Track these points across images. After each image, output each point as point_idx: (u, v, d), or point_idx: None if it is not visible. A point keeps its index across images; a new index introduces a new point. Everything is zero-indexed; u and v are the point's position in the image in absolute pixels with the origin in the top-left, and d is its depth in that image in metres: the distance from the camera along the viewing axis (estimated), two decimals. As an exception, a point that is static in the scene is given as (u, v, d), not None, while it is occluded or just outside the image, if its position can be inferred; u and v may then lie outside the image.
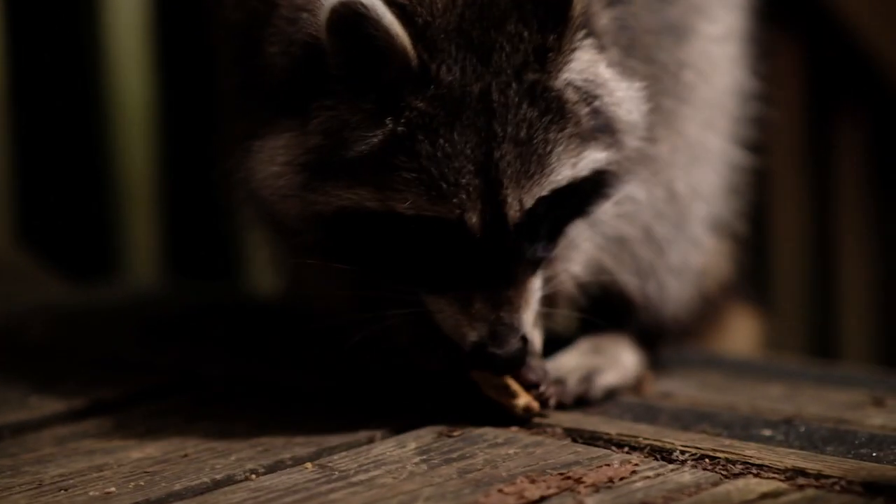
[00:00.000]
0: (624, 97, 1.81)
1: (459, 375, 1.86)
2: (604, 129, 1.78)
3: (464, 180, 1.68)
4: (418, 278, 1.76)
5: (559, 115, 1.73)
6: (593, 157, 1.77)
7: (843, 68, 3.96)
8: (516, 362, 1.76)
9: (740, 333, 2.68)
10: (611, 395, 2.03)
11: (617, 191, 1.84)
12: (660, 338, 2.19)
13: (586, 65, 1.77)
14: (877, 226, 4.20)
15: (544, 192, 1.73)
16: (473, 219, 1.70)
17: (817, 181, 4.03)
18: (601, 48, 1.80)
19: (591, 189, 1.80)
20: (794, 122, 3.83)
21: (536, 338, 1.93)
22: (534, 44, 1.71)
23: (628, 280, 2.05)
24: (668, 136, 2.01)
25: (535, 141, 1.71)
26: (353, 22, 1.66)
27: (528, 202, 1.72)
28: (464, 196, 1.69)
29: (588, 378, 2.01)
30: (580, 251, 1.95)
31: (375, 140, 1.69)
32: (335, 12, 1.66)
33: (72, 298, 3.02)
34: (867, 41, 3.91)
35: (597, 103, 1.77)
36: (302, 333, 2.37)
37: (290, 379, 2.14)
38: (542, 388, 1.86)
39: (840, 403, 2.02)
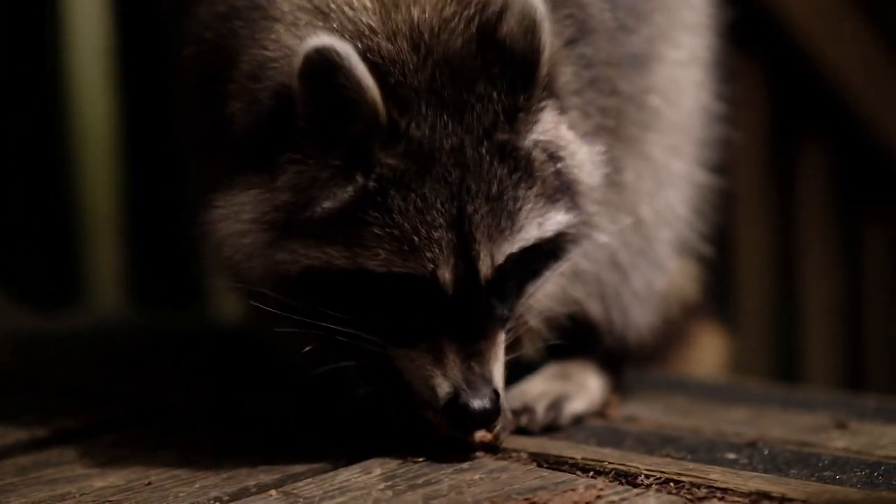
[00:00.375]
0: (585, 160, 1.82)
1: (415, 419, 1.85)
2: (566, 190, 1.79)
3: (436, 234, 1.68)
4: (386, 332, 1.75)
5: (528, 174, 1.74)
6: (557, 219, 1.78)
7: (805, 91, 3.99)
8: (490, 415, 1.74)
9: (706, 353, 2.69)
10: (578, 421, 2.03)
11: (573, 253, 1.85)
12: (625, 362, 2.19)
13: (550, 126, 1.78)
14: (840, 247, 4.23)
15: (514, 249, 1.73)
16: (446, 275, 1.70)
17: (780, 202, 4.06)
18: (562, 109, 1.81)
19: (551, 250, 1.81)
20: (758, 144, 3.86)
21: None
22: (503, 104, 1.72)
23: (593, 307, 2.06)
24: (633, 163, 2.02)
25: (506, 198, 1.72)
26: (325, 70, 1.65)
27: (499, 258, 1.72)
28: (437, 250, 1.68)
29: (556, 405, 2.01)
30: (547, 285, 1.95)
31: (345, 196, 1.68)
32: (309, 59, 1.65)
33: (35, 326, 3.01)
34: (828, 65, 3.95)
35: (560, 165, 1.78)
36: (266, 361, 2.37)
37: (255, 406, 2.14)
38: (497, 429, 1.84)
39: (803, 426, 2.03)
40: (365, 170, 1.68)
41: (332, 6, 1.74)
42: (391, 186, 1.68)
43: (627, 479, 1.73)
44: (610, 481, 1.73)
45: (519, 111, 1.74)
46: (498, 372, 1.76)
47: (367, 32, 1.71)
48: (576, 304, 2.02)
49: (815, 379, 4.07)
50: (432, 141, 1.69)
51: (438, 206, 1.68)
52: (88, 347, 2.72)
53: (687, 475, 1.72)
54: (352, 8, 1.73)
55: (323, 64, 1.65)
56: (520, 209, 1.73)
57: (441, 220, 1.68)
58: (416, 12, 1.73)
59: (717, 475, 1.71)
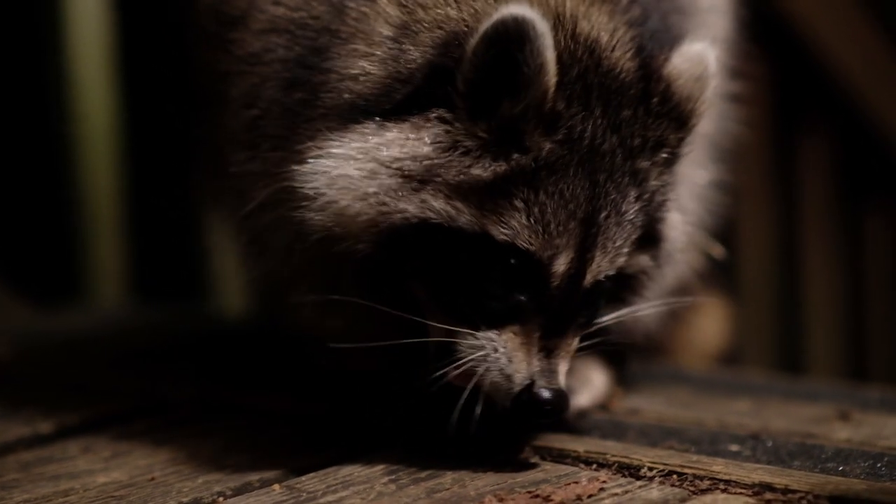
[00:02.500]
0: (677, 225, 1.88)
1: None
2: (655, 243, 1.84)
3: (571, 225, 1.70)
4: (472, 309, 1.73)
5: (644, 208, 1.77)
6: (640, 262, 1.82)
7: (808, 83, 3.99)
8: (560, 407, 1.74)
9: (711, 327, 2.70)
10: (582, 415, 2.03)
11: (631, 303, 1.88)
12: (631, 356, 2.19)
13: (673, 179, 1.84)
14: (842, 238, 4.23)
15: (614, 269, 1.77)
16: (561, 266, 1.71)
17: (783, 194, 4.06)
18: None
19: (620, 289, 1.84)
20: (760, 136, 3.85)
21: None
22: (654, 134, 1.76)
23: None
24: None
25: (628, 218, 1.75)
26: (516, 39, 1.64)
27: (602, 271, 1.76)
28: (565, 240, 1.70)
29: None
30: None
31: (499, 169, 1.69)
32: (503, 24, 1.64)
33: (37, 323, 3.01)
34: (831, 57, 3.94)
35: (662, 218, 1.83)
36: (269, 355, 2.37)
37: (257, 401, 2.13)
38: None
39: (806, 418, 2.03)
40: (520, 149, 1.68)
41: None
42: (545, 168, 1.69)
43: (630, 471, 1.73)
44: (613, 474, 1.73)
45: (664, 147, 1.78)
46: (563, 373, 1.76)
47: (560, 21, 1.72)
48: None
49: (818, 369, 4.07)
50: (590, 139, 1.71)
51: (581, 199, 1.70)
52: (90, 343, 2.72)
53: (690, 467, 1.72)
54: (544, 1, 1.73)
55: (516, 33, 1.64)
56: (630, 235, 1.77)
57: (579, 212, 1.70)
58: (588, 26, 1.74)
59: (719, 467, 1.71)
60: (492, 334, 1.73)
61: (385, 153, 1.71)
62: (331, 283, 1.81)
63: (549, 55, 1.64)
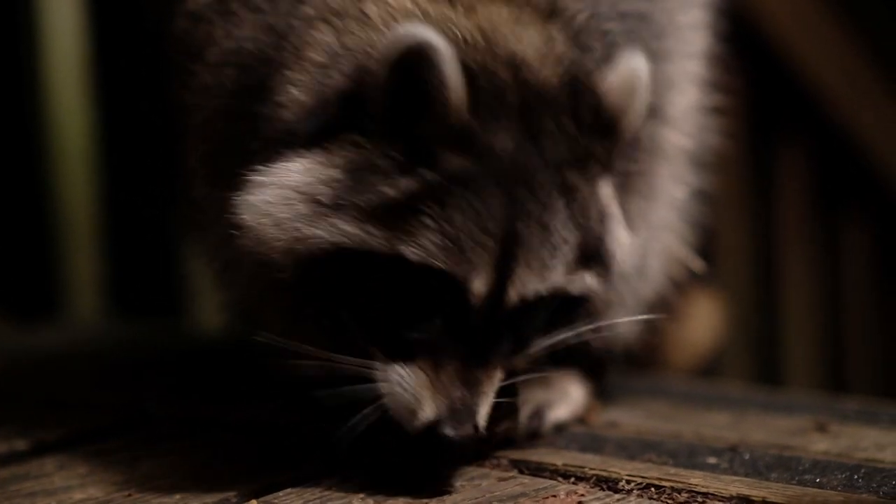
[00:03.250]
0: (625, 244, 1.83)
1: None
2: (601, 260, 1.78)
3: (485, 241, 1.65)
4: (387, 340, 1.72)
5: (578, 221, 1.73)
6: (586, 282, 1.76)
7: (783, 92, 4.01)
8: (465, 448, 1.70)
9: (706, 316, 2.70)
10: (560, 429, 2.03)
11: (581, 325, 1.81)
12: (609, 370, 2.20)
13: (609, 193, 1.80)
14: (819, 247, 4.25)
15: (543, 289, 1.71)
16: (480, 285, 1.67)
17: (759, 204, 4.08)
18: (617, 188, 1.83)
19: (566, 311, 1.78)
20: (737, 146, 3.87)
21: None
22: (581, 146, 1.73)
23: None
24: (642, 195, 2.04)
25: (555, 233, 1.70)
26: (418, 61, 1.63)
27: (530, 290, 1.70)
28: (480, 257, 1.66)
29: (538, 413, 2.01)
30: None
31: (407, 187, 1.66)
32: (405, 46, 1.64)
33: (14, 339, 3.00)
34: (805, 67, 3.97)
35: (605, 233, 1.78)
36: (248, 371, 2.36)
37: (236, 416, 2.13)
38: None
39: (784, 430, 2.04)
40: (430, 165, 1.66)
41: (432, 13, 1.73)
42: (455, 184, 1.65)
43: (608, 484, 1.73)
44: (591, 487, 1.73)
45: (593, 159, 1.74)
46: (484, 408, 1.71)
47: (466, 41, 1.70)
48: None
49: (796, 381, 4.09)
50: (504, 153, 1.67)
51: (495, 216, 1.66)
52: (68, 359, 2.71)
53: (668, 480, 1.72)
54: (454, 23, 1.72)
55: (418, 55, 1.63)
56: (561, 251, 1.71)
57: (494, 229, 1.66)
58: (513, 43, 1.73)
59: (697, 480, 1.72)
60: (398, 367, 1.70)
61: (298, 180, 1.70)
62: (286, 308, 1.82)
63: (452, 73, 1.64)
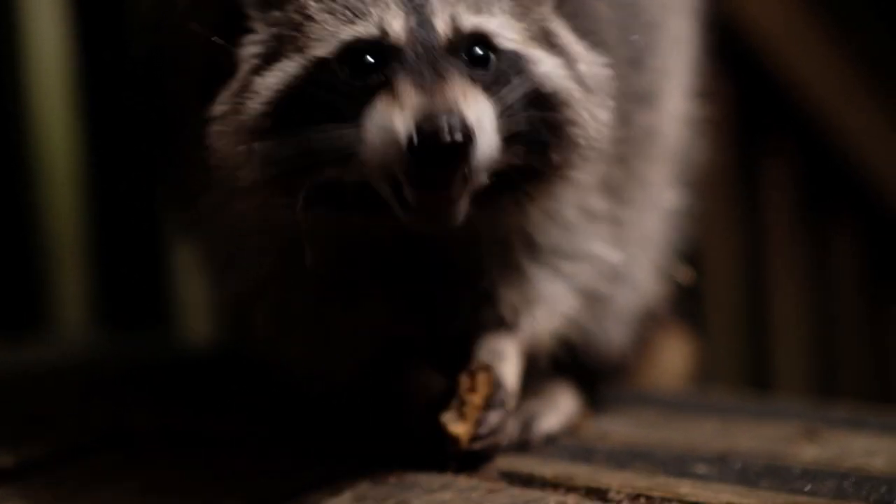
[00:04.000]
0: (585, 59, 1.79)
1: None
2: (556, 47, 1.77)
3: None
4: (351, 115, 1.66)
5: None
6: (546, 63, 1.74)
7: (771, 104, 4.02)
8: (458, 147, 1.59)
9: (674, 357, 2.70)
10: (551, 439, 2.03)
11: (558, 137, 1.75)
12: (599, 380, 2.19)
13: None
14: (808, 256, 4.26)
15: (483, 25, 1.69)
16: (395, 24, 1.67)
17: (747, 212, 4.08)
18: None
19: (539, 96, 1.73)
20: (723, 154, 3.88)
21: (510, 372, 1.89)
22: None
23: (573, 326, 2.05)
24: (637, 198, 2.05)
25: None
26: None
27: (464, 23, 1.68)
28: (383, 4, 1.67)
29: (528, 424, 2.00)
30: (557, 307, 1.95)
31: (285, 10, 1.72)
32: None
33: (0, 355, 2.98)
34: (792, 74, 3.98)
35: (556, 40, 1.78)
36: (237, 381, 2.36)
37: (226, 428, 2.12)
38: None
39: (774, 437, 2.03)
40: None
41: None
42: None
43: (598, 494, 1.73)
44: (581, 498, 1.73)
45: None
46: (471, 109, 1.62)
47: None
48: (583, 328, 2.02)
49: (786, 388, 4.09)
50: None
51: None
52: (55, 374, 2.70)
53: (657, 490, 1.72)
54: None
55: None
56: (489, 2, 1.72)
57: None
58: None
59: (687, 489, 1.71)
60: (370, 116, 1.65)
61: (225, 98, 1.73)
62: (291, 285, 1.84)
63: None
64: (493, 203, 1.75)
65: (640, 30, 2.02)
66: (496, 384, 1.83)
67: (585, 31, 1.83)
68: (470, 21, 1.69)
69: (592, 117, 1.76)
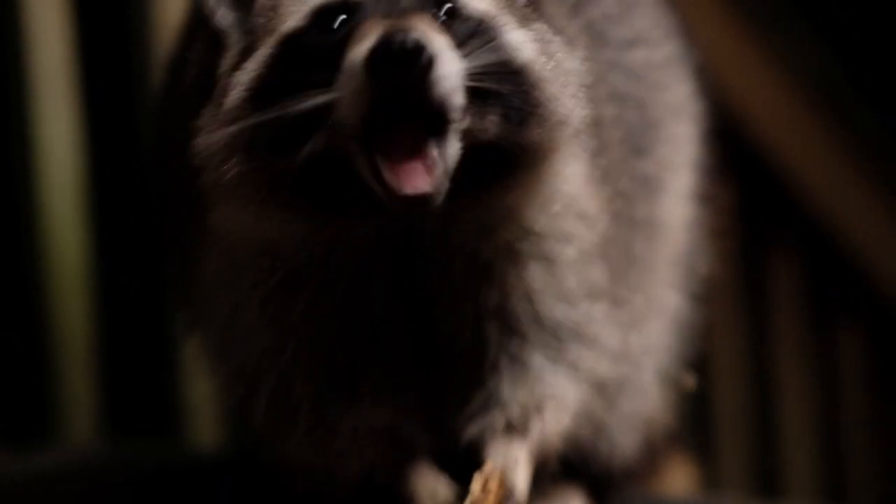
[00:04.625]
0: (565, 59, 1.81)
1: None
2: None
3: None
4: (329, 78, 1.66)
5: None
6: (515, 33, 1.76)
7: (776, 208, 4.03)
8: (414, 53, 1.58)
9: (680, 478, 2.68)
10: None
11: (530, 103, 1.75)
12: (608, 486, 2.18)
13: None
14: (815, 359, 4.24)
15: None
16: None
17: (753, 316, 4.08)
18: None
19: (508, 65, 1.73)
20: (731, 265, 3.89)
21: (522, 478, 1.88)
22: None
23: (581, 429, 2.04)
24: (639, 294, 2.05)
25: None
26: None
27: None
28: None
29: None
30: (566, 402, 1.94)
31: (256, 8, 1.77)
32: None
33: (6, 464, 2.96)
34: (796, 177, 4.00)
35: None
36: (245, 488, 2.35)
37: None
38: None
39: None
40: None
41: None
42: None
43: None
44: None
45: None
46: (433, 36, 1.61)
47: None
48: (593, 423, 2.01)
49: (794, 493, 4.06)
50: None
51: None
52: (62, 483, 2.68)
53: None
54: None
55: None
56: None
57: None
58: None
59: None
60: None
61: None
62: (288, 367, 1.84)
63: None
64: (477, 189, 1.74)
65: (644, 124, 2.05)
66: (509, 491, 1.81)
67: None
68: None
69: (566, 97, 1.76)
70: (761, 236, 4.06)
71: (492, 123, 1.69)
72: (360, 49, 1.60)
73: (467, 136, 1.67)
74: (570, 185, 1.85)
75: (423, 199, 1.63)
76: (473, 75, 1.65)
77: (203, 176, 1.75)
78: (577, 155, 1.85)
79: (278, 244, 1.80)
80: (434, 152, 1.63)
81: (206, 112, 1.75)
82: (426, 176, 1.62)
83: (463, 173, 1.67)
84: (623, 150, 2.00)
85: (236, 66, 1.75)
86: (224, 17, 1.79)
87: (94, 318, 3.37)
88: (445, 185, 1.64)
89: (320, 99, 1.63)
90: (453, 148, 1.65)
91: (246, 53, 1.75)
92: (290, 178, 1.68)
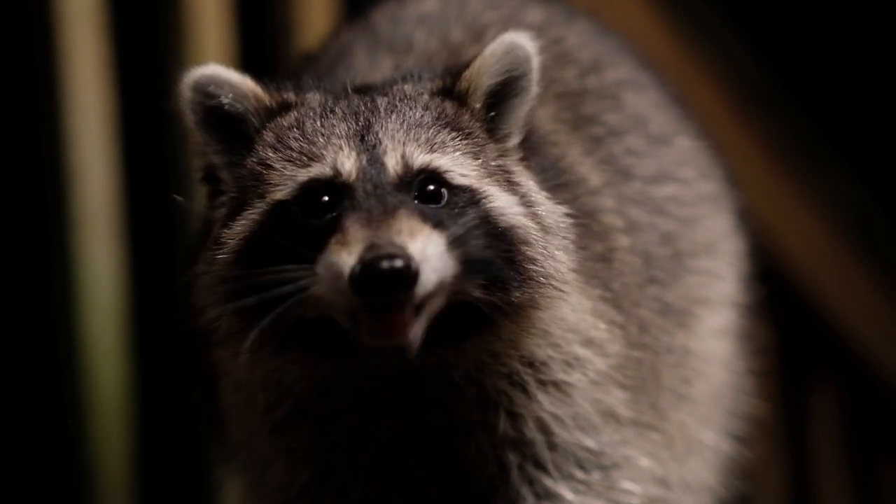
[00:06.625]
0: (543, 202, 1.85)
1: None
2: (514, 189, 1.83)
3: (335, 140, 1.75)
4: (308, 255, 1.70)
5: (455, 129, 1.82)
6: (500, 199, 1.80)
7: (814, 344, 4.02)
8: (399, 275, 1.62)
9: None
10: None
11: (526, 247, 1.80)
12: None
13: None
14: (856, 494, 4.20)
15: (433, 161, 1.76)
16: (346, 163, 1.72)
17: (797, 459, 4.04)
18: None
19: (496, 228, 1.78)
20: (770, 402, 3.87)
21: None
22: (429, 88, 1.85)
23: None
24: (672, 423, 2.03)
25: (426, 127, 1.79)
26: (206, 84, 1.81)
27: (414, 160, 1.74)
28: (336, 148, 1.74)
29: None
30: None
31: (245, 168, 1.81)
32: (192, 82, 1.83)
33: None
34: (835, 313, 4.00)
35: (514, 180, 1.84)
36: None
37: None
38: None
39: None
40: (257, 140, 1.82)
41: None
42: (285, 131, 1.80)
43: None
44: None
45: (451, 93, 1.84)
46: (418, 245, 1.66)
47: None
48: None
49: None
50: (335, 94, 1.84)
51: (341, 125, 1.77)
52: None
53: None
54: None
55: (203, 80, 1.82)
56: (443, 142, 1.78)
57: (342, 130, 1.77)
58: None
59: None
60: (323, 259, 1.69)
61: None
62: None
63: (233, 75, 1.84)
64: (459, 339, 1.78)
65: (668, 256, 2.08)
66: None
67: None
68: (421, 158, 1.76)
69: (550, 255, 1.79)
70: (802, 371, 4.05)
71: (475, 286, 1.73)
72: (344, 259, 1.65)
73: (451, 296, 1.72)
74: (574, 312, 1.87)
75: (399, 350, 1.68)
76: (457, 244, 1.71)
77: (201, 320, 1.82)
78: (581, 286, 1.87)
79: (281, 378, 1.84)
80: (413, 310, 1.68)
81: (202, 259, 1.81)
82: (403, 328, 1.67)
83: (445, 324, 1.73)
84: (639, 279, 2.01)
85: (228, 218, 1.80)
86: (217, 158, 1.85)
87: (137, 448, 3.37)
88: (420, 337, 1.69)
89: (302, 282, 1.67)
90: (432, 307, 1.70)
91: (237, 210, 1.80)
92: (276, 330, 1.73)
